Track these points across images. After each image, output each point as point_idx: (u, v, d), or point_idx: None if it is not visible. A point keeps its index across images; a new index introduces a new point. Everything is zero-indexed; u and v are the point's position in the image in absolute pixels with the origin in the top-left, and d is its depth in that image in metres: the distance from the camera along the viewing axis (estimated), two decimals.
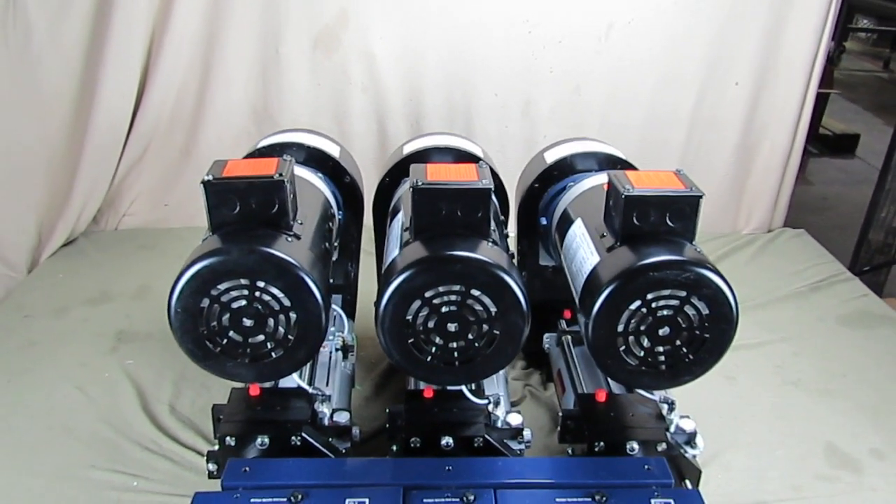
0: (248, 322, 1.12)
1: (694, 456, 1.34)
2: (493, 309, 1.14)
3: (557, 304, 1.72)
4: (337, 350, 1.56)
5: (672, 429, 1.33)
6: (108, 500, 1.45)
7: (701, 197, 1.17)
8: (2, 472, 1.51)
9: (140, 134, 2.44)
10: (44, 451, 1.57)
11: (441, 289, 1.13)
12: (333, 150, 1.62)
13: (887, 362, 1.97)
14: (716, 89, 2.45)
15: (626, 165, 1.57)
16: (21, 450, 1.58)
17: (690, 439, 1.34)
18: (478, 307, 1.14)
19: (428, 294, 1.12)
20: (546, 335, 1.70)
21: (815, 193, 4.49)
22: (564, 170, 1.61)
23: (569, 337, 1.66)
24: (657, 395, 1.40)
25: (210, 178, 1.14)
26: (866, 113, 6.06)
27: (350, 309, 1.74)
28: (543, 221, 1.62)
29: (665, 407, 1.37)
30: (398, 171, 1.62)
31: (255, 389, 1.36)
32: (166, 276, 2.29)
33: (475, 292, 1.12)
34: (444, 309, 1.14)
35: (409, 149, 1.66)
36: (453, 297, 1.13)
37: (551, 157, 1.64)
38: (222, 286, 1.10)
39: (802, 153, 2.68)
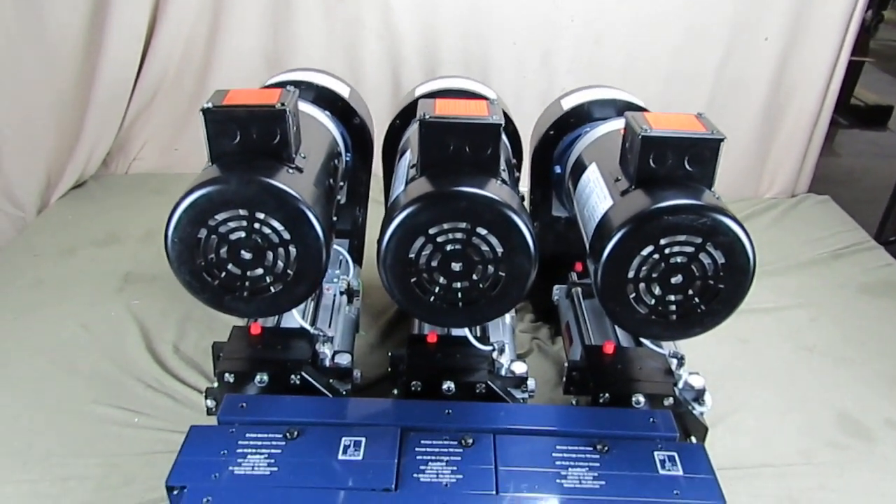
0: (246, 255, 1.09)
1: (701, 413, 1.30)
2: (499, 249, 1.10)
3: (569, 258, 1.68)
4: (342, 293, 1.54)
5: (680, 384, 1.30)
6: (109, 435, 1.45)
7: (722, 140, 1.12)
8: (4, 406, 1.51)
9: (149, 79, 2.40)
10: (47, 386, 1.57)
11: (446, 226, 1.08)
12: (343, 91, 1.58)
13: None
14: (744, 45, 2.34)
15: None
16: (24, 384, 1.58)
17: (698, 396, 1.31)
18: (483, 247, 1.10)
19: (432, 231, 1.08)
20: (556, 287, 1.66)
21: (842, 165, 4.37)
22: (581, 117, 1.56)
23: (579, 289, 1.62)
24: (666, 349, 1.36)
25: (210, 105, 1.10)
26: None
27: (357, 255, 1.71)
28: (558, 170, 1.57)
29: (674, 362, 1.33)
30: (409, 114, 1.57)
31: (255, 328, 1.35)
32: None
33: (481, 231, 1.08)
34: (448, 247, 1.10)
35: (420, 90, 1.61)
36: (458, 236, 1.09)
37: (568, 103, 1.59)
38: (220, 216, 1.07)
39: (831, 124, 2.59)
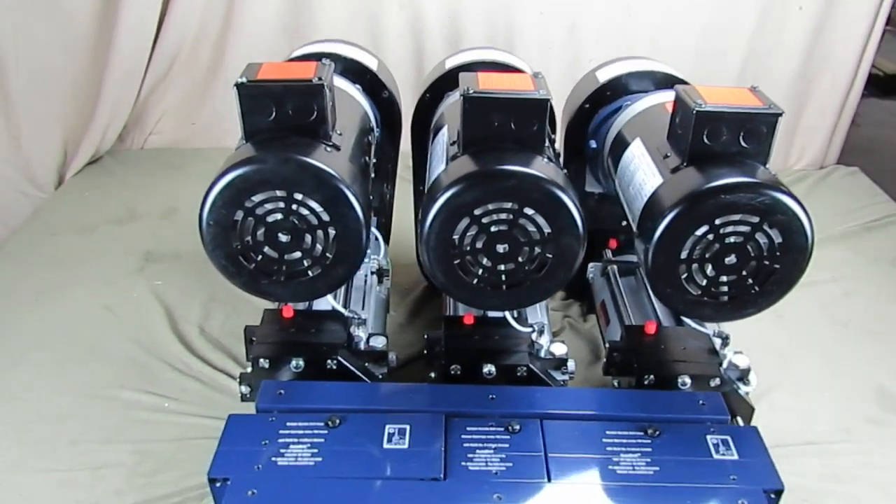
0: (284, 237, 1.05)
1: (747, 393, 1.27)
2: (546, 230, 1.05)
3: (602, 234, 1.64)
4: (372, 273, 1.50)
5: (725, 364, 1.27)
6: (139, 420, 1.41)
7: (781, 114, 1.07)
8: (28, 390, 1.48)
9: (165, 50, 2.33)
10: (71, 370, 1.54)
11: (491, 206, 1.04)
12: (371, 63, 1.52)
13: None
14: (778, 13, 2.28)
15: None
16: (47, 367, 1.54)
17: (743, 375, 1.27)
18: (530, 227, 1.05)
19: (477, 212, 1.04)
20: (591, 264, 1.62)
21: (862, 135, 4.29)
22: (618, 90, 1.50)
23: (614, 267, 1.58)
24: (710, 328, 1.33)
25: (244, 80, 1.05)
26: None
27: (384, 233, 1.67)
28: (593, 145, 1.52)
29: (718, 341, 1.30)
30: (440, 87, 1.52)
31: (288, 311, 1.31)
32: (194, 196, 2.24)
33: (528, 211, 1.04)
34: (493, 228, 1.05)
35: (451, 63, 1.55)
36: (504, 216, 1.04)
37: (604, 75, 1.53)
38: (257, 198, 1.03)
39: None
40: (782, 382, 1.58)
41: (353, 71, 1.47)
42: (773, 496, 1.03)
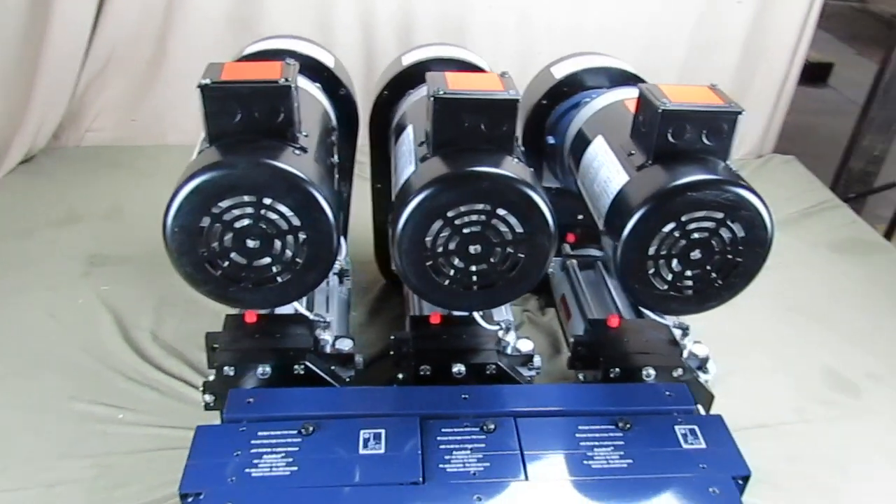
0: (252, 243, 1.03)
1: (706, 381, 1.31)
2: (518, 230, 1.06)
3: (560, 229, 1.64)
4: (334, 274, 1.48)
5: (685, 354, 1.30)
6: (94, 434, 1.36)
7: (741, 112, 1.09)
8: None
9: (102, 44, 2.24)
10: (17, 382, 1.47)
11: (464, 208, 1.04)
12: (328, 60, 1.50)
13: (878, 288, 1.98)
14: (718, 7, 2.35)
15: (640, 82, 1.48)
16: None
17: (703, 364, 1.32)
18: (503, 228, 1.06)
19: (450, 214, 1.04)
20: None
21: (789, 123, 4.48)
22: (575, 86, 1.51)
23: (574, 261, 1.60)
24: (670, 320, 1.36)
25: (208, 81, 1.02)
26: (839, 42, 6.03)
27: (343, 232, 1.65)
28: (551, 140, 1.53)
29: (678, 332, 1.33)
30: (398, 84, 1.50)
31: (251, 316, 1.28)
32: (138, 196, 2.18)
33: (501, 212, 1.04)
34: (466, 230, 1.05)
35: (408, 60, 1.54)
36: (477, 217, 1.05)
37: (560, 72, 1.54)
38: (225, 203, 1.00)
39: None
40: (736, 368, 1.63)
41: (311, 68, 1.44)
42: (740, 482, 1.06)
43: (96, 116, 2.37)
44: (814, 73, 5.11)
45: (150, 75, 2.32)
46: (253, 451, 1.03)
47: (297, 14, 2.26)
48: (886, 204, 2.94)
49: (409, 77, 1.49)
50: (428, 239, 1.06)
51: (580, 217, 1.65)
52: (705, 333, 1.37)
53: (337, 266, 1.48)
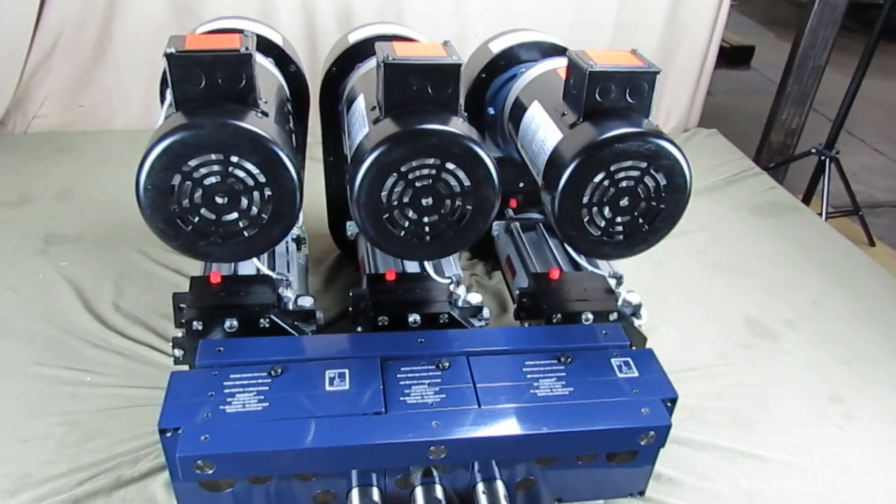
0: (220, 200, 1.10)
1: (640, 325, 1.44)
2: (466, 183, 1.16)
3: (503, 195, 1.76)
4: (292, 240, 1.56)
5: (620, 301, 1.43)
6: (62, 395, 1.42)
7: (658, 72, 1.22)
8: None
9: (47, 30, 2.25)
10: None
11: (415, 163, 1.14)
12: (277, 38, 1.57)
13: (794, 245, 2.16)
14: None
15: None
16: None
17: (636, 311, 1.45)
18: (452, 181, 1.16)
19: (403, 168, 1.13)
20: (494, 223, 1.75)
21: (715, 103, 4.70)
22: (511, 59, 1.63)
23: (517, 224, 1.71)
24: (605, 270, 1.49)
25: (173, 50, 1.09)
26: (760, 26, 6.34)
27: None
28: (491, 111, 1.64)
29: (613, 281, 1.46)
30: (346, 61, 1.59)
31: (216, 277, 1.36)
32: (88, 179, 2.21)
33: (450, 166, 1.14)
34: (418, 183, 1.15)
35: (354, 37, 1.62)
36: (427, 171, 1.14)
37: (497, 47, 1.65)
38: (194, 162, 1.07)
39: None
40: (666, 319, 1.78)
41: (262, 46, 1.52)
42: (668, 404, 1.19)
43: (43, 102, 2.38)
44: (737, 56, 5.38)
45: (96, 61, 2.35)
46: (226, 391, 1.11)
47: (239, 1, 2.31)
48: (804, 176, 3.17)
49: (356, 53, 1.58)
50: (383, 194, 1.15)
51: (521, 185, 1.78)
52: (638, 289, 1.50)
53: (295, 232, 1.57)
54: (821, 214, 2.72)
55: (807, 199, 3.03)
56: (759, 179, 2.52)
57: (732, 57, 5.35)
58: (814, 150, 3.00)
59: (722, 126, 2.98)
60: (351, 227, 1.63)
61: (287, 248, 1.53)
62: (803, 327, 1.80)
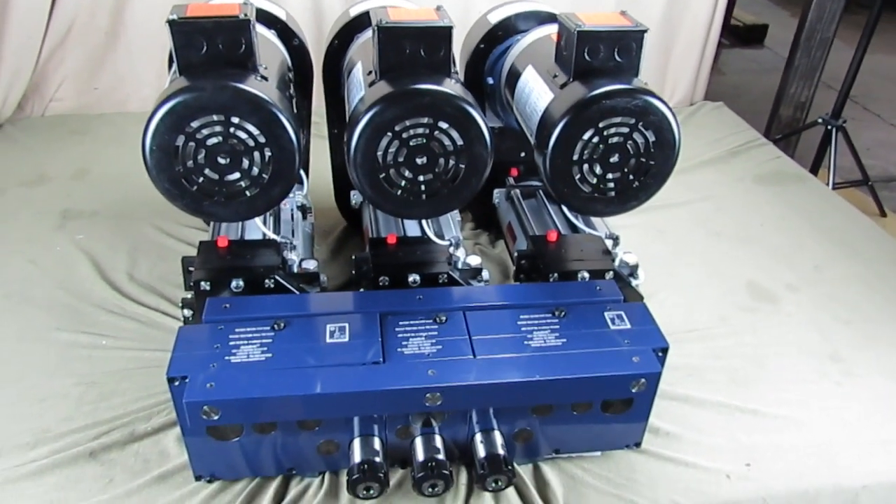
0: (223, 160, 1.15)
1: (637, 285, 1.47)
2: (459, 142, 1.20)
3: (504, 165, 1.81)
4: (298, 208, 1.61)
5: (617, 262, 1.46)
6: (79, 357, 1.48)
7: (646, 31, 1.25)
8: None
9: (62, 15, 2.32)
10: (4, 318, 1.58)
11: (409, 122, 1.18)
12: (280, 13, 1.62)
13: (798, 213, 2.16)
14: None
15: None
16: None
17: (633, 271, 1.47)
18: (445, 140, 1.20)
19: (398, 128, 1.17)
20: (496, 190, 1.79)
21: (728, 83, 4.71)
22: (508, 29, 1.66)
23: (517, 191, 1.75)
24: (601, 232, 1.52)
25: (175, 17, 1.14)
26: (773, 5, 6.29)
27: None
28: (490, 81, 1.68)
29: (610, 242, 1.49)
30: (347, 33, 1.63)
31: (223, 241, 1.41)
32: (103, 159, 2.28)
33: (443, 125, 1.18)
34: (412, 143, 1.19)
35: (355, 11, 1.67)
36: (421, 131, 1.18)
37: (495, 17, 1.69)
38: (196, 123, 1.12)
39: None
40: (667, 284, 1.80)
41: (265, 19, 1.56)
42: (660, 354, 1.22)
43: (59, 86, 2.45)
44: (750, 35, 5.36)
45: (110, 45, 2.41)
46: (231, 343, 1.16)
47: None
48: (810, 149, 3.17)
49: (356, 26, 1.63)
50: (379, 153, 1.19)
51: (523, 154, 1.81)
52: (640, 256, 1.53)
53: (300, 200, 1.61)
54: (828, 184, 2.72)
55: (815, 171, 3.03)
56: (765, 150, 2.53)
57: (746, 36, 5.33)
58: (820, 120, 3.00)
59: (734, 104, 2.97)
60: (355, 196, 1.69)
61: (292, 215, 1.58)
62: (805, 290, 1.81)
